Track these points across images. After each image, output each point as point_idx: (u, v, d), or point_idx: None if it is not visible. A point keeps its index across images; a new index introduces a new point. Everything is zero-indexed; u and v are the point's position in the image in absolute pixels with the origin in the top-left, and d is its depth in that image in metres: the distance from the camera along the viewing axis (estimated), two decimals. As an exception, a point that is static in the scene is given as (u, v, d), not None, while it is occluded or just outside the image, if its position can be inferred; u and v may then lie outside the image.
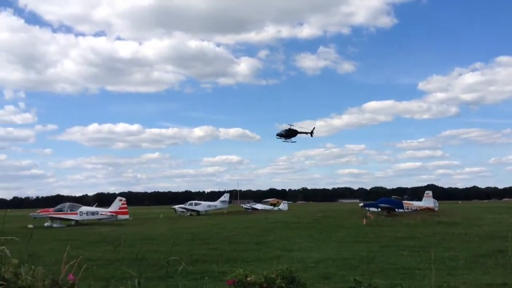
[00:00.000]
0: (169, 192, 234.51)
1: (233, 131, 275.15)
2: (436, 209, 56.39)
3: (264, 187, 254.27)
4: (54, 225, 42.54)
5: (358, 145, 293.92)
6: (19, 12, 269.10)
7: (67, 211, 45.13)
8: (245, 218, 54.41)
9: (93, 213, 45.30)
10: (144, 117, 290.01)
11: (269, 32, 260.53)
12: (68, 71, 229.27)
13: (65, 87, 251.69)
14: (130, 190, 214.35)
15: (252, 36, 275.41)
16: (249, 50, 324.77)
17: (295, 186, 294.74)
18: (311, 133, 68.34)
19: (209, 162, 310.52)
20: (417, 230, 30.38)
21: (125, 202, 46.69)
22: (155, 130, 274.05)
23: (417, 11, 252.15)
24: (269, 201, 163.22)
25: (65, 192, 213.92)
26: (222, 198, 71.78)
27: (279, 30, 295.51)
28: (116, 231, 34.48)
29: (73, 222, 44.29)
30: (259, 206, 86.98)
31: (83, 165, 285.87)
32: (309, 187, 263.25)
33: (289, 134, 65.25)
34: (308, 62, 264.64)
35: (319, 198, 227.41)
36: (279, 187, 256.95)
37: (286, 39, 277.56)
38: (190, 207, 68.66)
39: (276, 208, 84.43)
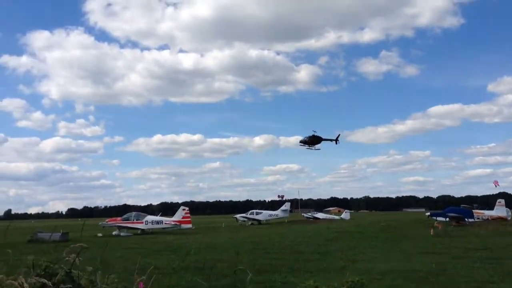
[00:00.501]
0: (230, 201, 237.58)
1: (294, 139, 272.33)
2: (509, 218, 53.21)
3: (325, 196, 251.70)
4: (122, 234, 44.01)
5: (423, 152, 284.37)
6: (89, 30, 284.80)
7: (133, 220, 46.65)
8: (307, 227, 53.86)
9: (157, 222, 46.53)
10: (206, 127, 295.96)
11: (329, 38, 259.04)
12: (134, 84, 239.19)
13: (131, 99, 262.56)
14: (192, 199, 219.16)
15: (312, 43, 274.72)
16: (309, 57, 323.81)
17: (357, 194, 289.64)
18: (336, 140, 65.67)
19: (270, 171, 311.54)
20: (489, 241, 28.79)
21: (188, 211, 47.59)
22: (216, 140, 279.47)
23: (485, 10, 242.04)
24: (330, 210, 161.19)
25: (131, 202, 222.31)
26: (283, 207, 71.60)
27: (340, 35, 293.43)
28: (180, 240, 35.17)
29: (139, 231, 45.71)
30: (320, 215, 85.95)
31: (148, 175, 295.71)
32: (371, 196, 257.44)
33: (313, 141, 62.94)
34: (370, 67, 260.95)
35: (382, 207, 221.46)
36: (340, 196, 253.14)
37: (346, 45, 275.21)
38: (251, 216, 68.97)
39: (338, 217, 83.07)
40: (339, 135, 66.07)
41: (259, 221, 67.77)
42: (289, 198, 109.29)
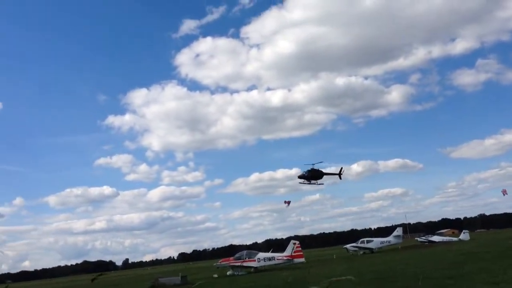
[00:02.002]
0: (335, 232, 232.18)
1: (393, 162, 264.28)
2: None
3: (435, 218, 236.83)
4: (236, 273, 44.19)
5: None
6: (181, 81, 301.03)
7: (245, 258, 46.72)
8: (425, 252, 50.53)
9: (270, 259, 46.14)
10: (301, 160, 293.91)
11: (418, 54, 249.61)
12: (227, 127, 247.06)
13: (225, 142, 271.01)
14: (296, 233, 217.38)
15: (400, 62, 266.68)
16: (399, 77, 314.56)
17: (470, 213, 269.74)
18: (340, 174, 61.78)
19: (372, 197, 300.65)
20: None
21: (299, 245, 46.77)
22: (336, 169, 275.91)
23: None
24: (443, 232, 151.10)
25: (236, 242, 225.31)
26: (395, 233, 68.04)
27: (429, 50, 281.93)
28: (295, 275, 34.41)
29: (252, 269, 45.62)
30: (436, 238, 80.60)
31: (250, 214, 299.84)
32: (487, 213, 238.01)
33: (313, 175, 58.96)
34: (466, 78, 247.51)
35: (501, 224, 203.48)
36: (452, 216, 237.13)
37: (438, 59, 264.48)
38: (362, 245, 66.39)
39: (456, 239, 77.34)
40: (342, 168, 62.47)
41: (371, 250, 64.98)
42: (397, 223, 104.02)
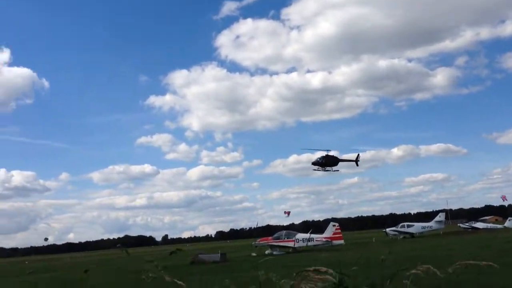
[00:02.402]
0: (373, 215, 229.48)
1: (435, 147, 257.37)
2: None
3: (478, 204, 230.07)
4: (274, 253, 44.17)
5: None
6: (221, 63, 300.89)
7: (284, 238, 46.71)
8: (470, 238, 49.09)
9: (308, 240, 45.91)
10: (340, 143, 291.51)
11: (466, 37, 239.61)
12: (267, 109, 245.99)
13: (265, 123, 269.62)
14: (333, 216, 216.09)
15: (446, 45, 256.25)
16: (445, 59, 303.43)
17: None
18: (357, 161, 59.95)
19: (412, 182, 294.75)
20: None
21: (339, 227, 46.32)
22: (353, 155, 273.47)
23: None
24: (486, 219, 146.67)
25: (273, 222, 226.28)
26: (437, 218, 66.38)
27: (477, 32, 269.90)
28: (335, 256, 34.02)
29: (290, 249, 45.55)
30: (480, 224, 78.21)
31: (287, 195, 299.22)
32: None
33: (327, 161, 57.31)
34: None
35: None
36: (496, 203, 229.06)
37: (487, 41, 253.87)
38: (402, 229, 65.19)
39: (500, 226, 74.83)
40: (359, 155, 60.71)
41: (411, 234, 63.72)
42: (437, 209, 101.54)
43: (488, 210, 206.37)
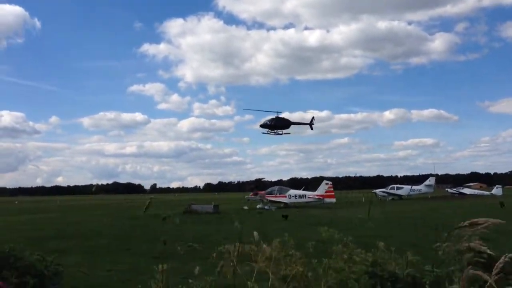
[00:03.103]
0: (360, 176, 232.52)
1: (427, 112, 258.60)
2: None
3: (464, 171, 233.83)
4: (266, 207, 44.56)
5: None
6: (218, 14, 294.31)
7: (276, 194, 47.06)
8: (458, 203, 49.82)
9: (301, 196, 46.37)
10: (333, 103, 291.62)
11: (468, 2, 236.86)
12: (261, 64, 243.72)
13: (258, 79, 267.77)
14: (321, 175, 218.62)
15: (447, 9, 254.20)
16: (445, 24, 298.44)
17: (502, 169, 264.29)
18: (311, 124, 55.16)
19: (401, 145, 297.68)
20: None
21: (331, 185, 46.70)
22: (344, 116, 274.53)
23: None
24: (471, 186, 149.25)
25: (261, 177, 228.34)
26: (427, 182, 67.27)
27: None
28: (327, 214, 34.40)
29: (282, 205, 45.96)
30: (467, 190, 79.58)
31: (277, 152, 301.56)
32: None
33: (277, 124, 52.84)
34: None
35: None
36: (481, 171, 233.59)
37: (488, 8, 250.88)
38: (391, 191, 66.10)
39: (488, 192, 76.12)
40: (313, 117, 56.36)
41: (400, 196, 64.69)
42: (423, 173, 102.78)
43: (474, 177, 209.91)
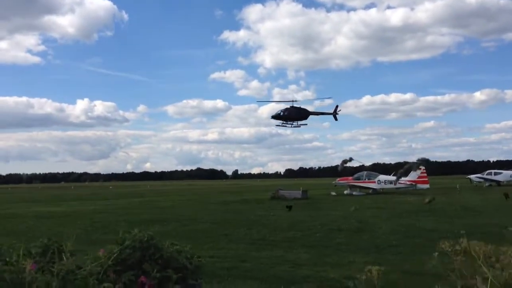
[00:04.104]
0: (448, 161, 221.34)
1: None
2: None
3: None
4: (354, 193, 43.39)
5: None
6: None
7: (365, 179, 45.61)
8: None
9: (391, 182, 44.56)
10: (418, 85, 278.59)
11: None
12: (341, 47, 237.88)
13: (339, 62, 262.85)
14: (405, 160, 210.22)
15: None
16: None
17: None
18: (335, 114, 48.16)
19: (493, 128, 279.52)
20: None
21: (425, 170, 44.44)
22: (430, 98, 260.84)
23: None
24: None
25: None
26: (529, 167, 62.16)
27: None
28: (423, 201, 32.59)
29: (370, 191, 44.50)
30: None
31: (358, 137, 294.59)
32: None
33: (291, 115, 46.33)
34: None
35: None
36: None
37: None
38: (489, 176, 61.72)
39: None
40: (337, 106, 49.58)
41: (498, 182, 60.21)
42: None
43: None
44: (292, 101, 47.72)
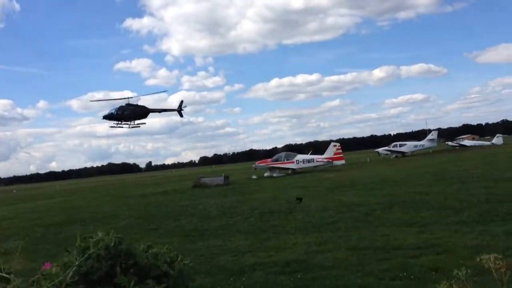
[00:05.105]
0: (354, 138, 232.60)
1: (416, 67, 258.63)
2: None
3: (456, 124, 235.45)
4: (274, 175, 43.69)
5: None
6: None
7: (283, 160, 46.07)
8: (464, 155, 49.30)
9: (309, 161, 45.43)
10: (322, 66, 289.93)
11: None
12: (248, 31, 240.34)
13: (246, 46, 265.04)
14: (315, 139, 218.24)
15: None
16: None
17: (492, 119, 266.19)
18: (179, 110, 43.33)
19: (392, 103, 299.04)
20: None
21: (339, 147, 45.80)
22: (334, 78, 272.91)
23: None
24: (463, 138, 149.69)
25: (256, 146, 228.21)
26: (429, 137, 66.55)
27: None
28: (341, 176, 33.57)
29: (289, 171, 45.10)
30: (467, 142, 79.44)
31: (269, 120, 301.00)
32: (510, 119, 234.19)
33: (125, 114, 40.97)
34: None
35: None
36: (473, 122, 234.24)
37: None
38: (395, 148, 65.46)
39: (488, 143, 75.97)
40: (182, 101, 44.53)
41: (403, 153, 64.06)
42: (416, 130, 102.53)
43: (466, 129, 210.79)
44: (128, 98, 41.80)
